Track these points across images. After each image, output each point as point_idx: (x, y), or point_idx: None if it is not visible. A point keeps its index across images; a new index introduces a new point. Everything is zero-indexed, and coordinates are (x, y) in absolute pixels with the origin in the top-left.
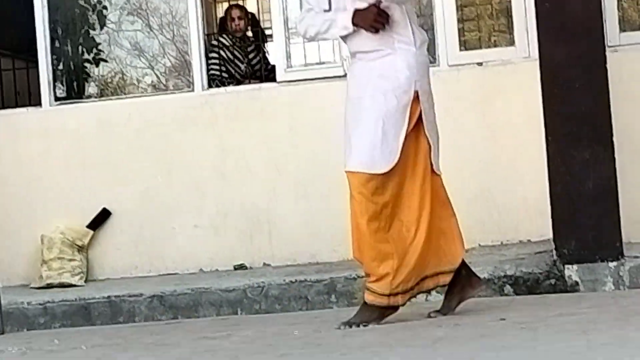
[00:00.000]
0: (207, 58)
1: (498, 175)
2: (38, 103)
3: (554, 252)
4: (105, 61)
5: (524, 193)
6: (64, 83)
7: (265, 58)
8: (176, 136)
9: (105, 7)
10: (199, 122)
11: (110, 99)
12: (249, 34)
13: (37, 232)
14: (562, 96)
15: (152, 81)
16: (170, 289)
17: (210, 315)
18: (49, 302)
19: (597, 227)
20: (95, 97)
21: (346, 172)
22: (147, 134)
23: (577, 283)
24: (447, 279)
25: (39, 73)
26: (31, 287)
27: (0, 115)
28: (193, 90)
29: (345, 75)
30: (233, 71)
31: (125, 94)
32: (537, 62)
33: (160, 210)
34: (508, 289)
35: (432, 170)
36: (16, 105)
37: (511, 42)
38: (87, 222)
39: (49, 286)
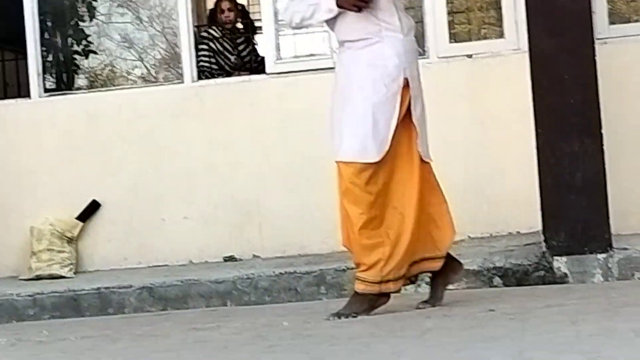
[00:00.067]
0: (197, 50)
1: (487, 167)
2: (27, 94)
3: (543, 244)
4: (95, 53)
5: (513, 185)
6: (54, 75)
7: (255, 50)
8: (166, 128)
9: None
10: (188, 113)
11: (100, 91)
12: (239, 25)
13: (26, 223)
14: (551, 88)
15: (141, 73)
16: (160, 281)
17: (200, 307)
18: (38, 293)
19: (586, 219)
20: (85, 89)
21: (338, 162)
22: (137, 125)
23: (566, 275)
24: (437, 264)
25: (28, 64)
26: (20, 279)
27: None
28: (183, 82)
29: (335, 67)
30: (223, 63)
31: (114, 85)
32: (527, 55)
33: (150, 201)
34: (497, 280)
35: (421, 158)
36: (5, 97)
37: (501, 35)
38: (77, 213)
39: (38, 278)
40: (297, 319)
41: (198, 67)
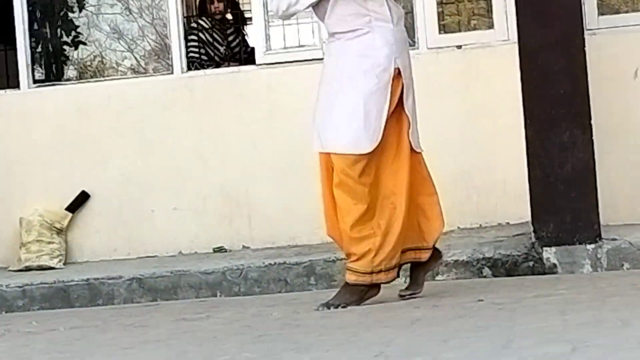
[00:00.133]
0: (187, 41)
1: (477, 158)
2: (16, 85)
3: (532, 234)
4: (84, 44)
5: (502, 176)
6: (43, 66)
7: (245, 41)
8: (155, 119)
9: None
10: (178, 104)
11: (89, 82)
12: (229, 16)
13: (15, 214)
14: (540, 79)
15: (131, 64)
16: (150, 272)
17: (190, 298)
18: (27, 284)
19: (575, 210)
20: (74, 80)
21: (330, 154)
22: (126, 116)
23: (555, 265)
24: (424, 255)
25: (17, 55)
26: (10, 270)
27: None
28: (172, 72)
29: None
30: (212, 54)
31: (104, 76)
32: (516, 45)
33: (139, 192)
34: (487, 271)
35: (412, 148)
36: None
37: (490, 26)
38: (66, 204)
39: (28, 269)
40: (286, 310)
41: (188, 57)
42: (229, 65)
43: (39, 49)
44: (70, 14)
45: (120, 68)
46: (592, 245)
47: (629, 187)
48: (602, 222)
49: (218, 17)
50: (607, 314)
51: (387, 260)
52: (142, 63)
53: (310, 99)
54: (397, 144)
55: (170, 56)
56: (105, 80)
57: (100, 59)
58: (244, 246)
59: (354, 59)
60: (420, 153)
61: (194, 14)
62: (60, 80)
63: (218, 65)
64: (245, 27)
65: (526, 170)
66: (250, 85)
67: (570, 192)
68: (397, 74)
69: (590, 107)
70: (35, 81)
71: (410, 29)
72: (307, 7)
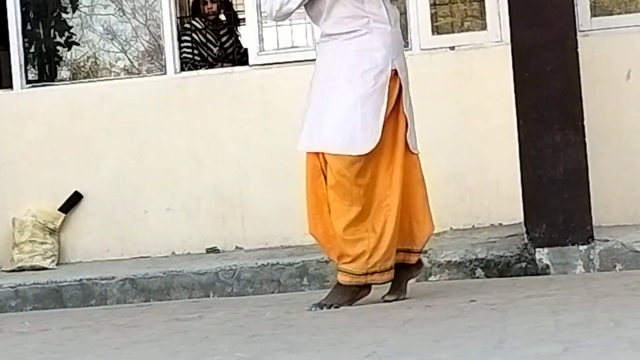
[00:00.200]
0: (180, 41)
1: (470, 159)
2: (9, 86)
3: (525, 235)
4: (78, 45)
5: (495, 177)
6: (36, 66)
7: (238, 41)
8: (148, 120)
9: None
10: (171, 105)
11: (83, 82)
12: (222, 17)
13: (8, 215)
14: (533, 80)
15: (124, 65)
16: (142, 272)
17: (182, 298)
18: (20, 285)
19: (567, 211)
20: (68, 81)
21: (326, 154)
22: (120, 117)
23: (547, 266)
24: (412, 258)
25: (10, 55)
26: (2, 270)
27: None
28: (165, 73)
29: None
30: (205, 54)
31: (97, 77)
32: (509, 47)
33: (132, 193)
34: (479, 272)
35: (409, 149)
36: None
37: (483, 27)
38: (59, 205)
39: (21, 269)
40: (279, 310)
41: (181, 58)
42: (222, 66)
43: (33, 50)
44: (64, 15)
45: (113, 69)
46: (585, 246)
47: (621, 189)
48: (594, 223)
49: (211, 17)
50: (599, 314)
51: (382, 262)
52: (136, 64)
53: (303, 100)
54: (391, 144)
55: (163, 57)
56: (99, 80)
57: (93, 59)
58: (237, 247)
59: (352, 59)
60: (416, 155)
61: (188, 14)
62: (53, 80)
63: (211, 66)
64: (238, 28)
65: (519, 172)
66: (244, 86)
67: (563, 193)
68: (394, 75)
69: (583, 108)
70: (28, 81)
71: (403, 30)
72: (299, 6)
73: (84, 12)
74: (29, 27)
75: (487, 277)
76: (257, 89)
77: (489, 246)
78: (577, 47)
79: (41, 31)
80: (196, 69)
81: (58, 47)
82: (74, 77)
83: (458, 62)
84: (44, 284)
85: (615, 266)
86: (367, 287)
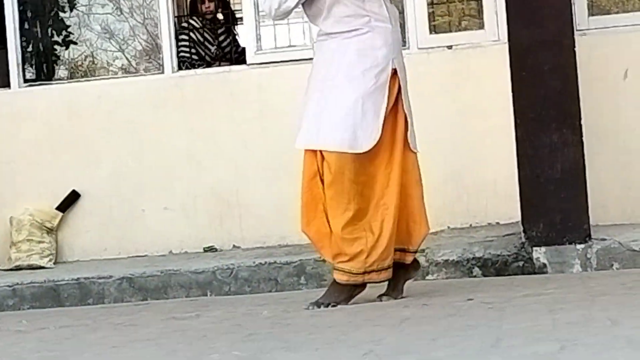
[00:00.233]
0: (177, 40)
1: (467, 157)
2: (7, 85)
3: (522, 234)
4: (75, 43)
5: (493, 176)
6: (33, 65)
7: (236, 40)
8: (146, 119)
9: None
10: (168, 104)
11: (80, 81)
12: (220, 16)
13: (5, 214)
14: (530, 79)
15: (122, 64)
16: (140, 271)
17: (180, 297)
18: (17, 284)
19: (565, 210)
20: (65, 80)
21: (324, 152)
22: (117, 116)
23: (545, 265)
24: (408, 258)
25: (8, 55)
26: (0, 269)
27: None
28: (163, 72)
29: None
30: (203, 53)
31: (95, 76)
32: (507, 46)
33: (130, 192)
34: (477, 271)
35: (408, 148)
36: None
37: (481, 26)
38: (57, 204)
39: (18, 268)
40: (276, 309)
41: (178, 57)
42: (219, 65)
43: (30, 49)
44: (61, 14)
45: (111, 68)
46: (582, 245)
47: (618, 188)
48: (591, 222)
49: (209, 16)
50: (597, 313)
51: (380, 261)
52: (133, 63)
53: (301, 99)
54: (391, 144)
55: (161, 56)
56: (96, 79)
57: (91, 58)
58: (234, 246)
59: (353, 58)
60: (415, 154)
61: (185, 13)
62: (51, 79)
63: (209, 65)
64: (236, 26)
65: (516, 171)
66: (241, 85)
67: (560, 193)
68: (394, 74)
69: (580, 107)
70: (26, 81)
71: (400, 29)
72: (298, 4)
73: (82, 11)
74: (26, 26)
75: (485, 276)
76: (254, 88)
77: (487, 245)
78: (574, 47)
79: (38, 30)
80: (194, 68)
81: (55, 46)
82: (71, 76)
83: (455, 62)
84: (42, 283)
85: (612, 265)
86: (363, 285)
